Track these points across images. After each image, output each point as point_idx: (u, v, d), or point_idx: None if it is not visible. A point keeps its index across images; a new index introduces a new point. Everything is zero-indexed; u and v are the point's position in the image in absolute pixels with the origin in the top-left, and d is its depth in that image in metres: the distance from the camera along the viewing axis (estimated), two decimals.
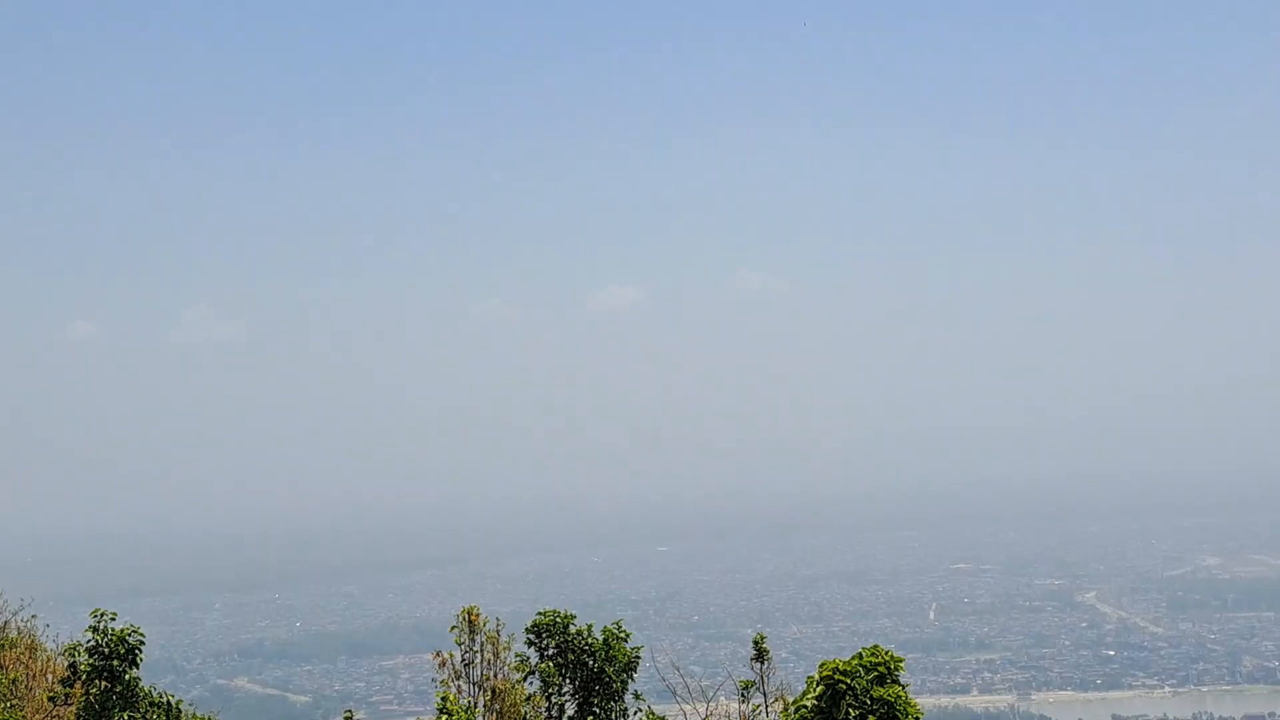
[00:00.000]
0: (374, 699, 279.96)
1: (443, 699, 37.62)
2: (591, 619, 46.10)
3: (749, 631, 43.68)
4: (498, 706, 40.89)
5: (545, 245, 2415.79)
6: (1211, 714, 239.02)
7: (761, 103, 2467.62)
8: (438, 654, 41.42)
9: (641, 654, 44.93)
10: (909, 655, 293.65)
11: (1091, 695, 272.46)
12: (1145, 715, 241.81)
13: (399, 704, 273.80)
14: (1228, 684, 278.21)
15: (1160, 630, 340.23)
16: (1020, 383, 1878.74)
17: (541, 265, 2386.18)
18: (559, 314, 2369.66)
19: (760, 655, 42.04)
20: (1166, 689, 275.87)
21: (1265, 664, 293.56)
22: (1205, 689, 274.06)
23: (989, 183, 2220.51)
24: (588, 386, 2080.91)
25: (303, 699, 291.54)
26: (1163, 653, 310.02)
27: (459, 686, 41.11)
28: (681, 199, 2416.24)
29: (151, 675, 43.51)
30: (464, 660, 41.29)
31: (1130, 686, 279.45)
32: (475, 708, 39.58)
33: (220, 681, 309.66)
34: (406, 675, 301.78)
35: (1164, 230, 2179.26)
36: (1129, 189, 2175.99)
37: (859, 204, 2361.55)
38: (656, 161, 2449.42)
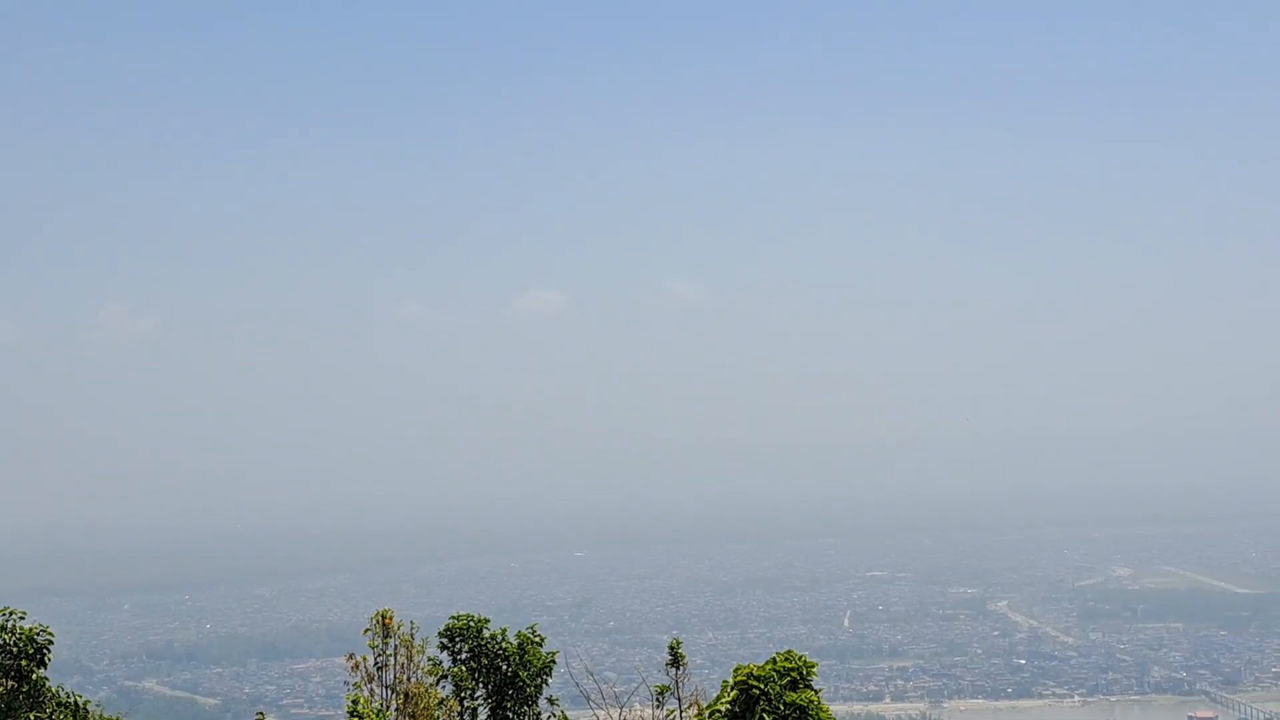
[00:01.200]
0: (285, 702, 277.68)
1: (354, 702, 37.23)
2: (506, 624, 45.89)
3: (664, 637, 43.68)
4: (410, 710, 40.49)
5: (471, 248, 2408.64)
6: None
7: (696, 113, 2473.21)
8: (350, 657, 40.97)
9: (556, 659, 44.73)
10: (823, 662, 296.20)
11: (1002, 704, 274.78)
12: None
13: (310, 707, 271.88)
14: (1136, 694, 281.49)
15: (1071, 640, 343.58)
16: (938, 396, 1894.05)
17: (466, 268, 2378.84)
18: (481, 317, 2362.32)
19: (676, 661, 41.93)
20: (1076, 698, 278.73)
21: (1173, 674, 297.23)
22: (1114, 698, 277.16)
23: (930, 191, 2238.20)
24: (507, 390, 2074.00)
25: (212, 701, 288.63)
26: (1073, 662, 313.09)
27: (371, 690, 40.68)
28: (611, 206, 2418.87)
29: (59, 675, 42.82)
30: (377, 664, 40.85)
31: (1040, 695, 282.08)
32: (387, 711, 39.18)
33: (128, 683, 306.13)
34: (318, 679, 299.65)
35: (1097, 238, 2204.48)
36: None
37: (783, 213, 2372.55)
38: (586, 168, 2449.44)
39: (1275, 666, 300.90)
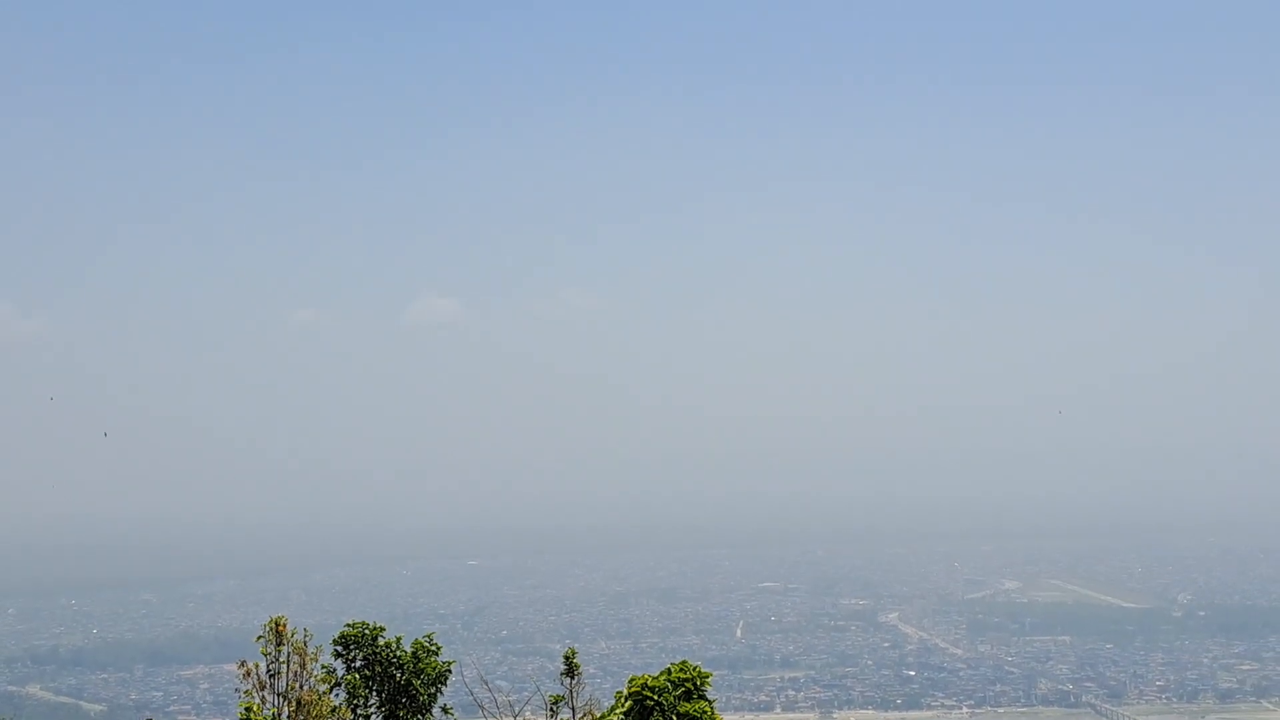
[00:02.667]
0: (171, 708, 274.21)
1: (246, 709, 37.01)
2: (399, 632, 45.74)
3: (558, 647, 43.77)
4: (303, 718, 40.29)
5: (363, 254, 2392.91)
6: None
7: (593, 113, 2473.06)
8: (242, 664, 40.66)
9: (452, 668, 44.69)
10: (716, 672, 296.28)
11: (892, 714, 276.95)
12: None
13: (197, 714, 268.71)
14: (1023, 706, 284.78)
15: (960, 652, 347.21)
16: (832, 404, 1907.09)
17: (359, 274, 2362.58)
18: (373, 325, 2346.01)
19: (570, 670, 42.10)
20: (964, 709, 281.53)
21: (1059, 686, 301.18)
22: (1001, 710, 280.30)
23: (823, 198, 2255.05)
24: (400, 399, 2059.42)
25: (97, 707, 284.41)
26: (961, 674, 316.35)
27: (263, 697, 40.41)
28: (503, 211, 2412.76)
29: None
30: (269, 671, 40.58)
31: (929, 706, 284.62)
32: (280, 719, 38.98)
33: (11, 688, 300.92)
34: (206, 685, 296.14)
35: (971, 251, 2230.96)
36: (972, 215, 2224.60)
37: (678, 219, 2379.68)
38: (482, 173, 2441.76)
39: (1159, 680, 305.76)
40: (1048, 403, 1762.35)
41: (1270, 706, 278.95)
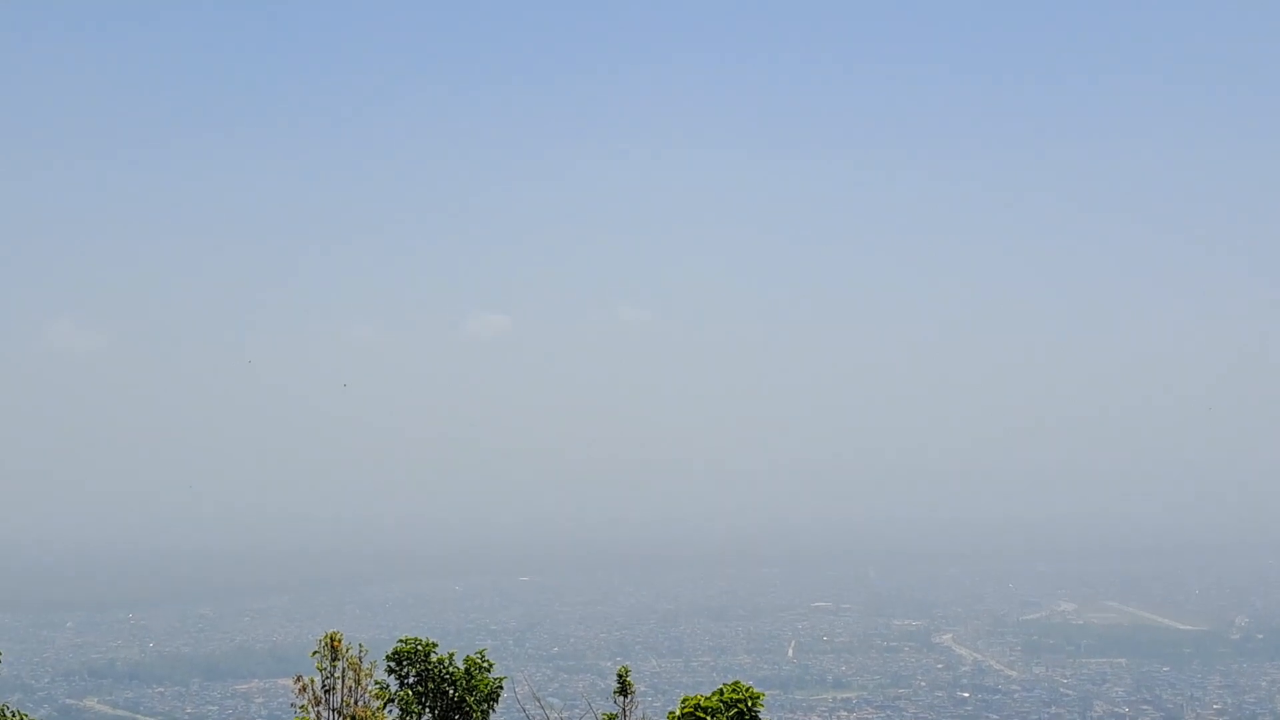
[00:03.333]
0: None
1: None
2: (451, 648, 46.00)
3: (609, 664, 43.94)
4: None
5: (419, 270, 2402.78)
6: None
7: (644, 132, 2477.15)
8: (298, 679, 41.01)
9: (504, 684, 44.91)
10: (767, 692, 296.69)
11: None
12: None
13: None
14: None
15: (1015, 674, 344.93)
16: (884, 422, 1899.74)
17: (416, 290, 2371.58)
18: (429, 339, 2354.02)
19: (624, 689, 42.25)
20: None
21: (1116, 710, 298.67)
22: None
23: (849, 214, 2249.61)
24: (455, 412, 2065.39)
25: None
26: (1016, 696, 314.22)
27: (318, 713, 40.73)
28: (558, 230, 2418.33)
29: (1, 693, 42.78)
30: (324, 686, 40.89)
31: None
32: None
33: (69, 701, 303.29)
34: (260, 699, 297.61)
35: (1017, 268, 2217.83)
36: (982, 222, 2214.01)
37: (728, 237, 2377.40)
38: (533, 190, 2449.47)
39: (1216, 703, 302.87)
40: (1106, 418, 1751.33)
41: None
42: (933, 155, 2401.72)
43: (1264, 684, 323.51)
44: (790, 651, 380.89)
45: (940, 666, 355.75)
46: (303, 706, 40.73)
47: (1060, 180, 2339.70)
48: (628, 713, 41.77)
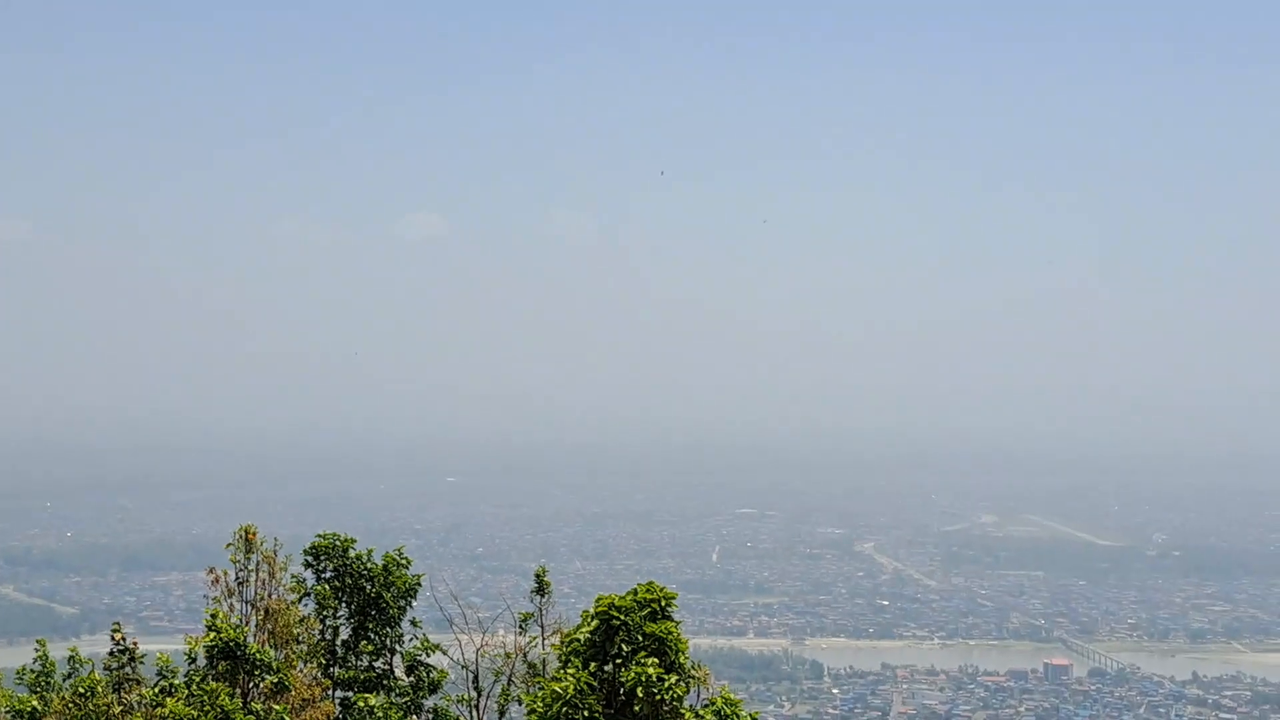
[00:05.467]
0: (144, 614, 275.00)
1: (212, 616, 36.62)
2: (373, 545, 45.38)
3: (532, 565, 43.37)
4: (270, 626, 39.90)
5: (353, 168, 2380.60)
6: (976, 666, 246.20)
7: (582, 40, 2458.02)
8: (211, 571, 40.26)
9: (422, 581, 44.36)
10: (689, 596, 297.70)
11: (863, 643, 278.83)
12: (913, 665, 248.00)
13: (170, 620, 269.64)
14: (995, 639, 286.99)
15: (933, 583, 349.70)
16: (821, 339, 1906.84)
17: (348, 188, 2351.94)
18: (363, 237, 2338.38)
19: (541, 589, 41.85)
20: (935, 640, 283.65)
21: (1031, 621, 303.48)
22: (973, 642, 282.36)
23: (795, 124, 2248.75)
24: (385, 316, 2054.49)
25: (70, 610, 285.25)
26: (934, 605, 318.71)
27: (231, 605, 40.00)
28: (496, 134, 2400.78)
29: None
30: (238, 579, 40.13)
31: (901, 636, 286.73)
32: (247, 626, 38.58)
33: None
34: (179, 592, 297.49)
35: (939, 178, 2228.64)
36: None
37: (674, 149, 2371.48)
38: (469, 88, 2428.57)
39: (1131, 618, 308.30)
40: (1037, 337, 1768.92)
41: (1240, 648, 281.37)
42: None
43: (1178, 600, 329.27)
44: (714, 557, 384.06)
45: (861, 574, 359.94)
46: (215, 599, 39.97)
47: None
48: (544, 612, 41.39)
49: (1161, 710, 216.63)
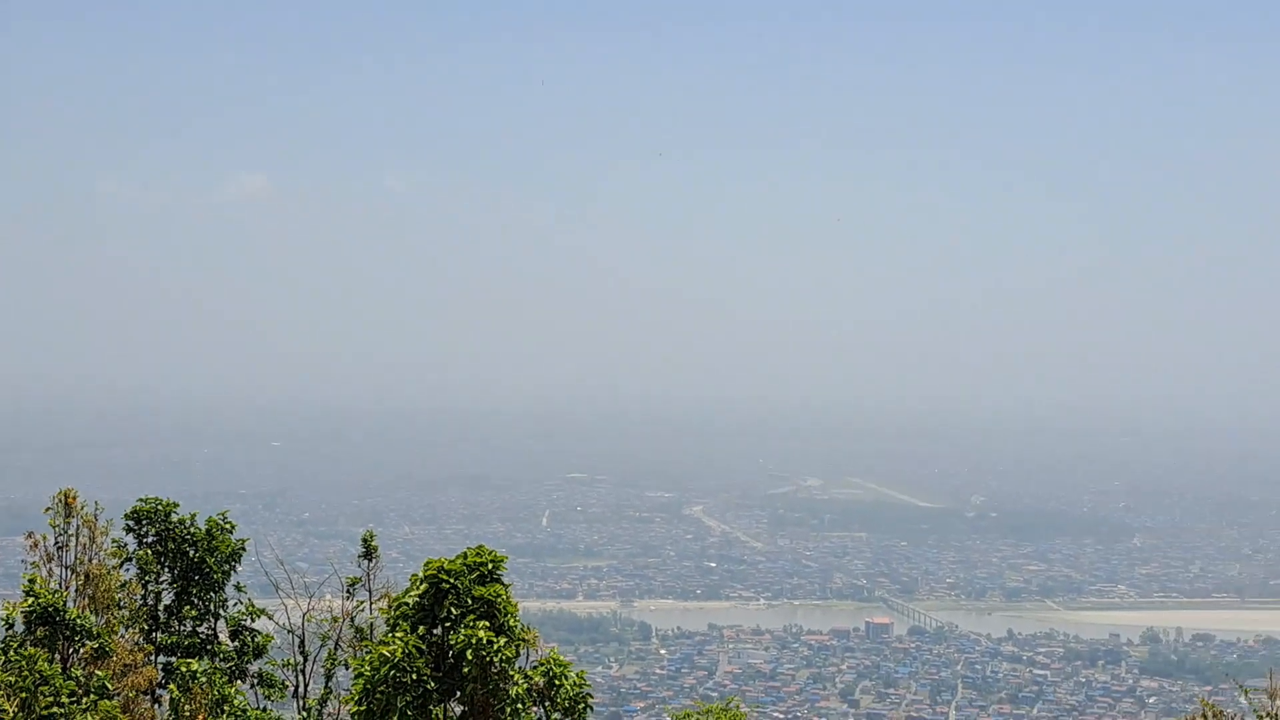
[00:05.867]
0: None
1: (30, 581, 35.94)
2: (197, 510, 44.80)
3: (360, 530, 43.21)
4: (90, 592, 39.27)
5: (176, 128, 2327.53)
6: (801, 626, 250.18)
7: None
8: (29, 535, 39.48)
9: (246, 546, 43.93)
10: (519, 560, 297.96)
11: (691, 604, 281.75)
12: (739, 625, 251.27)
13: None
14: (819, 599, 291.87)
15: (760, 545, 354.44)
16: (651, 308, 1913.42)
17: (170, 148, 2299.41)
18: (184, 199, 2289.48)
19: (368, 553, 41.76)
20: (761, 601, 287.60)
21: (854, 581, 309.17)
22: (797, 603, 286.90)
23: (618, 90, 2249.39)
24: (214, 277, 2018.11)
25: None
26: (760, 566, 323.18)
27: (50, 570, 39.29)
28: (329, 97, 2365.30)
29: None
30: (57, 543, 39.42)
31: (728, 597, 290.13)
32: (66, 592, 37.93)
33: None
34: None
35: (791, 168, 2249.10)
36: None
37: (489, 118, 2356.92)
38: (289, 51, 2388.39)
39: (950, 577, 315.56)
40: (875, 309, 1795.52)
41: (1054, 605, 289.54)
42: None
43: (995, 559, 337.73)
44: (544, 521, 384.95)
45: (689, 537, 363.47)
46: (33, 564, 39.22)
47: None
48: (372, 577, 41.31)
49: (978, 666, 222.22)
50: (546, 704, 26.12)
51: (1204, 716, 24.72)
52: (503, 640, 25.20)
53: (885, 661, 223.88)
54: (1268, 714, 24.24)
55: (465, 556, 25.79)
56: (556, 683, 25.91)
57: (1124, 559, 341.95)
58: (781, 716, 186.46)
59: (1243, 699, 25.01)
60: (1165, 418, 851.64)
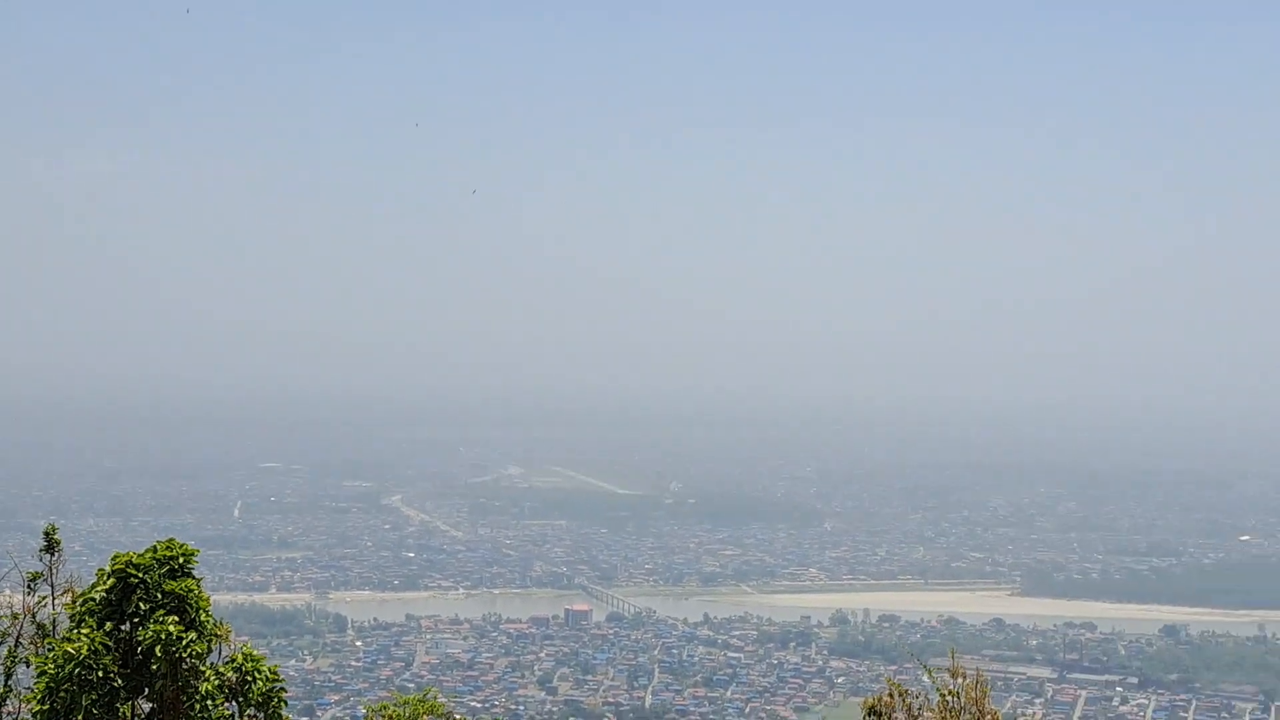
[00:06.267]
0: None
1: None
2: None
3: (41, 523, 41.33)
4: None
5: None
6: (500, 615, 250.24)
7: None
8: None
9: None
10: (210, 552, 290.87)
11: (388, 595, 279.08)
12: (438, 615, 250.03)
13: None
14: (519, 587, 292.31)
15: (460, 534, 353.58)
16: (332, 301, 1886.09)
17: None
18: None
19: (50, 547, 40.01)
20: (461, 590, 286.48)
21: (554, 569, 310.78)
22: (497, 591, 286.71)
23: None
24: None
25: None
26: (460, 555, 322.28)
27: None
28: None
29: None
30: None
31: (426, 587, 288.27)
32: None
33: None
34: None
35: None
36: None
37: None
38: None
39: (648, 564, 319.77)
40: (570, 301, 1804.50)
41: (748, 589, 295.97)
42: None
43: (692, 545, 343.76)
44: (236, 512, 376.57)
45: (387, 527, 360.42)
46: None
47: None
48: (55, 571, 39.60)
49: (674, 651, 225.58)
50: (239, 700, 25.40)
51: (889, 695, 25.20)
52: (193, 635, 24.39)
53: (584, 648, 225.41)
54: (950, 691, 24.84)
55: (155, 550, 24.86)
56: (249, 678, 25.18)
57: (815, 543, 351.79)
58: (479, 705, 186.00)
59: (926, 677, 25.63)
60: (859, 406, 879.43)
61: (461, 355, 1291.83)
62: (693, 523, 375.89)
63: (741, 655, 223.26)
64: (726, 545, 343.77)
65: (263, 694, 25.44)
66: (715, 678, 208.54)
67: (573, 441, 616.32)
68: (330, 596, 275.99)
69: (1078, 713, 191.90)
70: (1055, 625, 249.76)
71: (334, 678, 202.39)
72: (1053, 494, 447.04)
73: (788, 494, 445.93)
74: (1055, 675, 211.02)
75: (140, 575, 24.30)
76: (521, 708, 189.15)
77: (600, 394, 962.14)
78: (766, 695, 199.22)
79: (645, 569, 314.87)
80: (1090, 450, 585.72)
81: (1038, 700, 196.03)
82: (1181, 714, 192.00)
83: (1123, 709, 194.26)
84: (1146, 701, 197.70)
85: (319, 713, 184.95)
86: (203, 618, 24.80)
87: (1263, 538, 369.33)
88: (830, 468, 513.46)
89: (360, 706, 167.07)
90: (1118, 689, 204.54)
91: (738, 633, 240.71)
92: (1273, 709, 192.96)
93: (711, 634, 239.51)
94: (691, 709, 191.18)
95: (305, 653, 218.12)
